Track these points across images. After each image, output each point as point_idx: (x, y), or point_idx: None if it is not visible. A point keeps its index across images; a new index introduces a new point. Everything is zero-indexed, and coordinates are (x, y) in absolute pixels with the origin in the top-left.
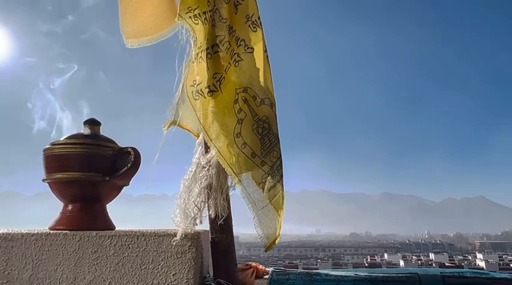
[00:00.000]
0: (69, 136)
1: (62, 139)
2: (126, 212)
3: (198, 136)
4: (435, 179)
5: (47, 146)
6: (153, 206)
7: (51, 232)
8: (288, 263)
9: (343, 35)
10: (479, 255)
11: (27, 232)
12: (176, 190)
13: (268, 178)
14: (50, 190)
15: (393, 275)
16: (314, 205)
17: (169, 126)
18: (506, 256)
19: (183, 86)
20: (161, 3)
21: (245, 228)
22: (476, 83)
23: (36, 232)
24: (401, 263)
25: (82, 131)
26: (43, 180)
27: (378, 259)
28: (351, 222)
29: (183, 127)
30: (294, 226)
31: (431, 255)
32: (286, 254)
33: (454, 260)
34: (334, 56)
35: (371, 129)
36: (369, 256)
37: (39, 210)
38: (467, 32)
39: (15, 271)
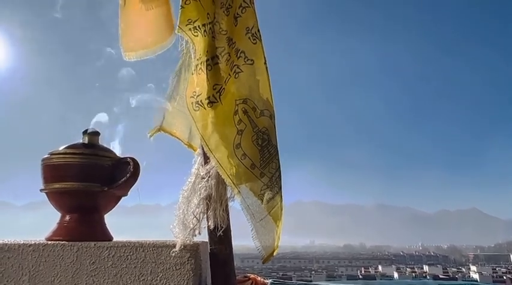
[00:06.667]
0: (68, 146)
1: (60, 148)
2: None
3: (188, 144)
4: (429, 190)
5: (45, 156)
6: (147, 216)
7: (49, 242)
8: (282, 274)
9: (339, 46)
10: (473, 268)
11: (24, 242)
12: (170, 200)
13: (267, 189)
14: (40, 200)
15: None
16: (308, 216)
17: (155, 132)
18: (499, 268)
19: (175, 94)
20: (158, 18)
21: (238, 239)
22: (470, 94)
23: (33, 242)
24: (396, 275)
25: (81, 141)
26: (41, 190)
27: (372, 271)
28: (345, 233)
29: (172, 134)
30: (289, 238)
31: (426, 267)
32: (280, 266)
33: (448, 272)
34: (330, 67)
35: (366, 140)
36: (363, 268)
37: (31, 221)
38: (467, 42)
39: (12, 283)
